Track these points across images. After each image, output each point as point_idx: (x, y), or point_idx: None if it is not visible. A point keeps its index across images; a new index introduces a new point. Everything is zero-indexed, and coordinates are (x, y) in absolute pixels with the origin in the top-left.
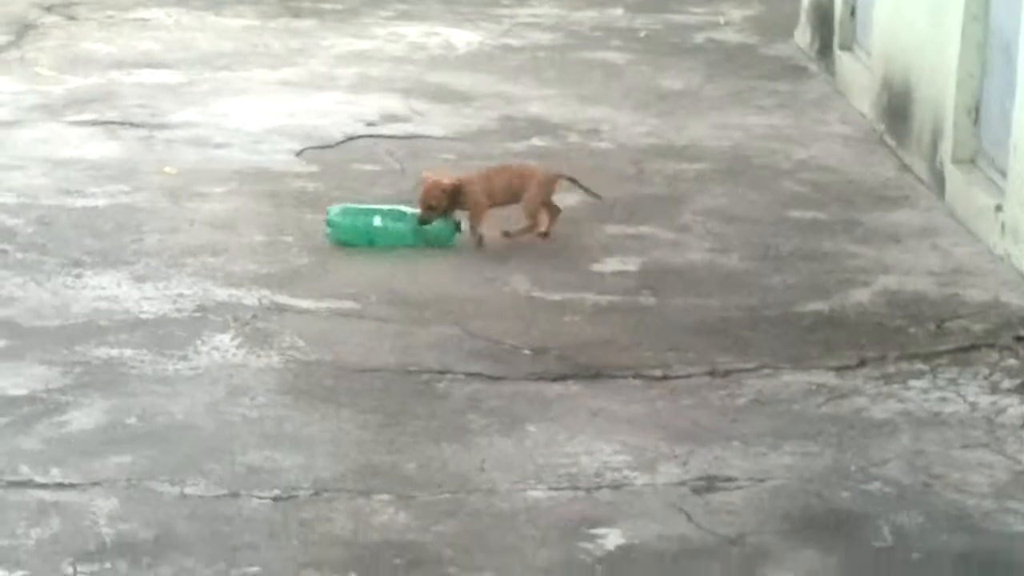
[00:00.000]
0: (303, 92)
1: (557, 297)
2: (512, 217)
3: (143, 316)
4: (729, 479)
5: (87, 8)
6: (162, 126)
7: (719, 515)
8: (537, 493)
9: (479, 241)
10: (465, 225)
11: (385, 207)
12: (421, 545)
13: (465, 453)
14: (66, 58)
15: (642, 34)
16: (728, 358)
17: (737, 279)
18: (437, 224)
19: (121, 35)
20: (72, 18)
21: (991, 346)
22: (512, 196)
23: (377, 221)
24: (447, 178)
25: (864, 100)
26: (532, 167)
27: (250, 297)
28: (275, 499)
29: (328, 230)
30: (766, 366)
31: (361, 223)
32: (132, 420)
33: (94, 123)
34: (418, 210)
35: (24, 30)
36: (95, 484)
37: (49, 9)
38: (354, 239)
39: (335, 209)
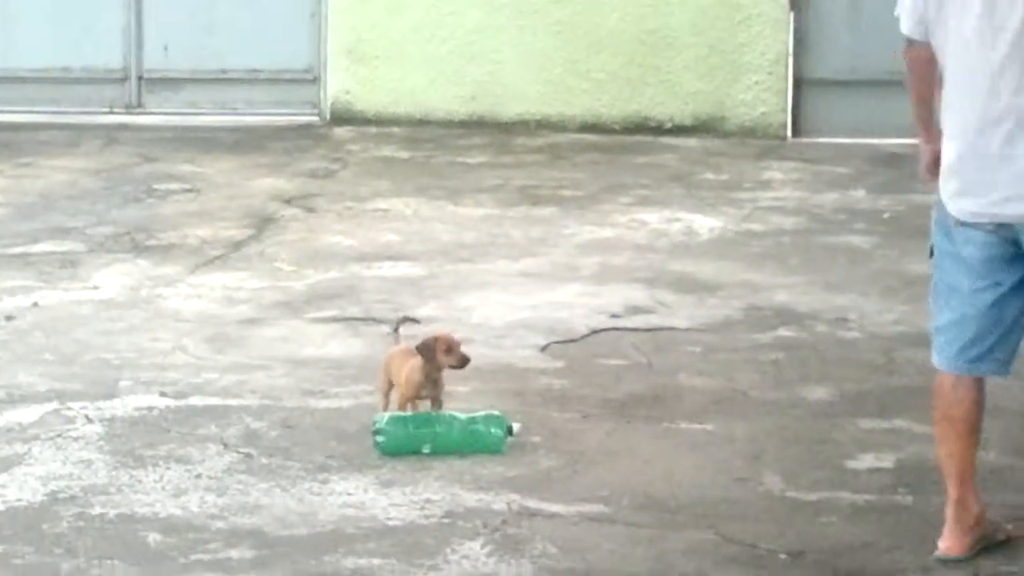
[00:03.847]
0: (545, 283)
1: (812, 497)
2: None
3: (391, 523)
4: None
5: (326, 200)
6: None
7: None
8: None
9: None
10: (518, 427)
11: (434, 413)
12: None
13: None
14: (306, 252)
15: (886, 216)
16: (993, 561)
17: (997, 476)
18: (488, 427)
19: (360, 227)
20: (311, 210)
21: None
22: None
23: (431, 427)
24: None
25: None
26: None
27: (499, 502)
28: None
29: (379, 439)
30: None
31: (412, 432)
32: None
33: (335, 319)
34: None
35: (263, 223)
36: None
37: (288, 202)
38: (403, 447)
39: (383, 417)
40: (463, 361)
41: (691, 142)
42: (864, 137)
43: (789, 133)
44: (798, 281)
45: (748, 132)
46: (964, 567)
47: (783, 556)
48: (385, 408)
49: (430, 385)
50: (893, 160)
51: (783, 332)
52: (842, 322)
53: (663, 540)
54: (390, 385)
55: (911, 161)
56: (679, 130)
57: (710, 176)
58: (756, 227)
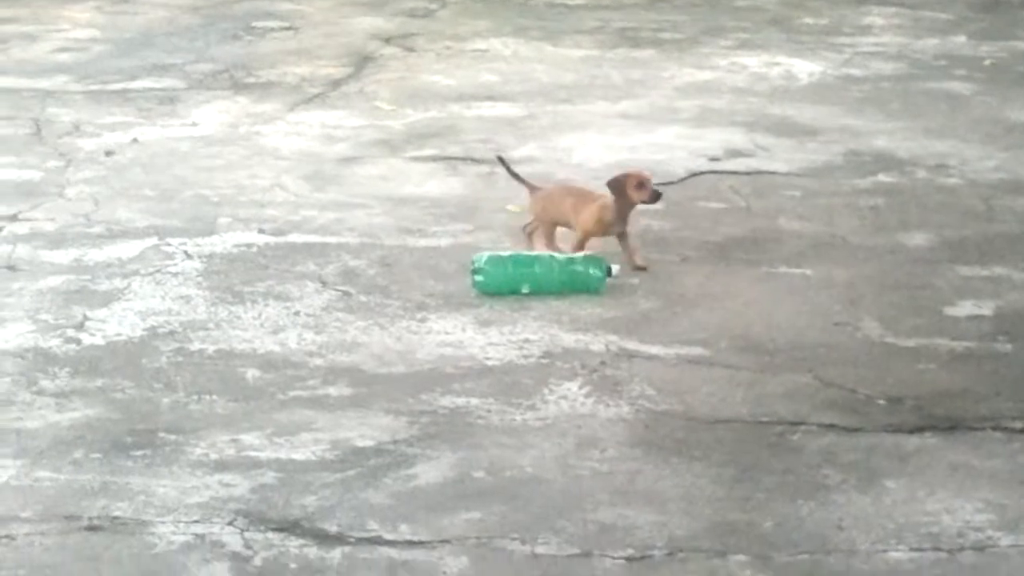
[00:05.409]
0: (644, 126)
1: (911, 343)
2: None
3: (489, 363)
4: None
5: (425, 39)
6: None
7: None
8: (898, 554)
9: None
10: (616, 268)
11: (533, 254)
12: None
13: (822, 511)
14: (405, 91)
15: (987, 62)
16: None
17: None
18: (588, 268)
19: (459, 67)
20: (410, 50)
21: None
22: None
23: (530, 267)
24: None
25: None
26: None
27: (597, 343)
28: (628, 559)
29: (478, 278)
30: None
31: (511, 272)
32: (480, 474)
33: (435, 159)
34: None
35: (363, 62)
36: (444, 542)
37: (388, 41)
38: (502, 287)
39: (483, 257)
40: (655, 196)
41: None
42: None
43: None
44: (898, 127)
45: None
46: None
47: (881, 401)
48: (550, 247)
49: (620, 222)
50: (995, 6)
51: (882, 178)
52: (942, 168)
53: (761, 383)
54: (554, 225)
55: (1014, 7)
56: None
57: (809, 20)
58: (856, 72)
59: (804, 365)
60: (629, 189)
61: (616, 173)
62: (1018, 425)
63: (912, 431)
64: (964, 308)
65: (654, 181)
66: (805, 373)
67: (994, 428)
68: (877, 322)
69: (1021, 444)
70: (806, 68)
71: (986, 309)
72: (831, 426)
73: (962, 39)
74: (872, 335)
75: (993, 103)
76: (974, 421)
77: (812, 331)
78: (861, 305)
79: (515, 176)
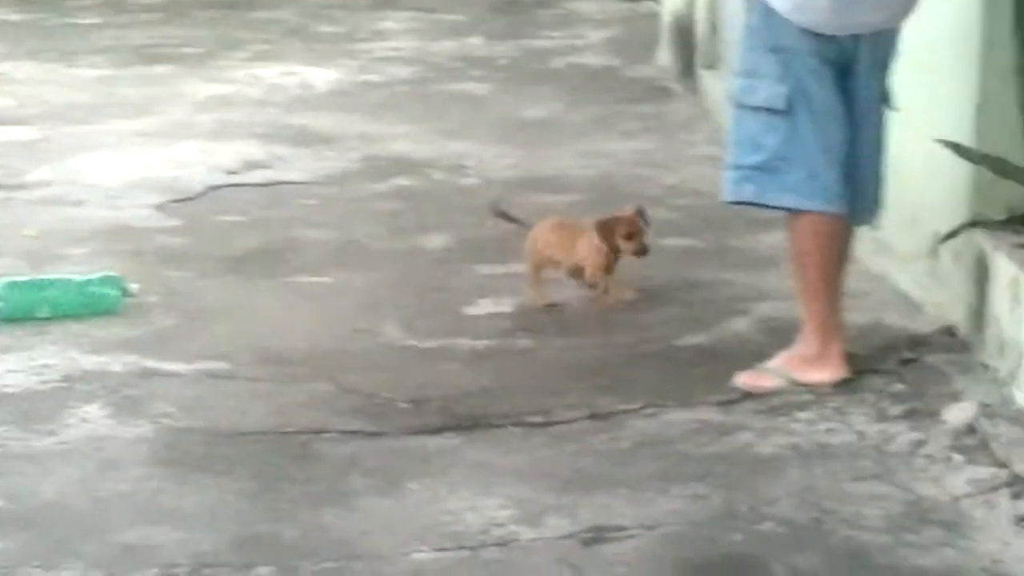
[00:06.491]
0: (162, 142)
1: (432, 344)
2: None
3: (8, 390)
4: (619, 528)
5: None
6: (19, 186)
7: (610, 567)
8: (423, 555)
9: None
10: (135, 288)
11: (50, 276)
12: None
13: (347, 517)
14: None
15: (502, 62)
16: (609, 399)
17: (613, 316)
18: (105, 289)
19: None
20: None
21: (875, 372)
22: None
23: (45, 291)
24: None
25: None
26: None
27: (117, 364)
28: None
29: None
30: (649, 405)
31: (27, 297)
32: (0, 503)
33: None
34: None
35: None
36: None
37: None
38: (21, 312)
39: (2, 283)
40: (642, 250)
41: None
42: None
43: None
44: (415, 130)
45: None
46: (581, 406)
47: (403, 404)
48: (535, 291)
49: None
50: (509, 7)
51: (401, 181)
52: (459, 169)
53: (283, 394)
54: (553, 263)
55: (528, 7)
56: None
57: (327, 29)
58: (373, 78)
59: (325, 373)
60: (617, 237)
61: (607, 215)
62: (538, 420)
63: (434, 432)
64: (483, 307)
65: (171, 197)
66: (327, 381)
67: (515, 424)
68: (397, 325)
69: (541, 439)
70: (323, 76)
71: (505, 307)
72: (354, 432)
73: (478, 40)
74: (393, 339)
75: (509, 102)
76: (495, 418)
77: (333, 338)
78: (381, 310)
79: (515, 220)
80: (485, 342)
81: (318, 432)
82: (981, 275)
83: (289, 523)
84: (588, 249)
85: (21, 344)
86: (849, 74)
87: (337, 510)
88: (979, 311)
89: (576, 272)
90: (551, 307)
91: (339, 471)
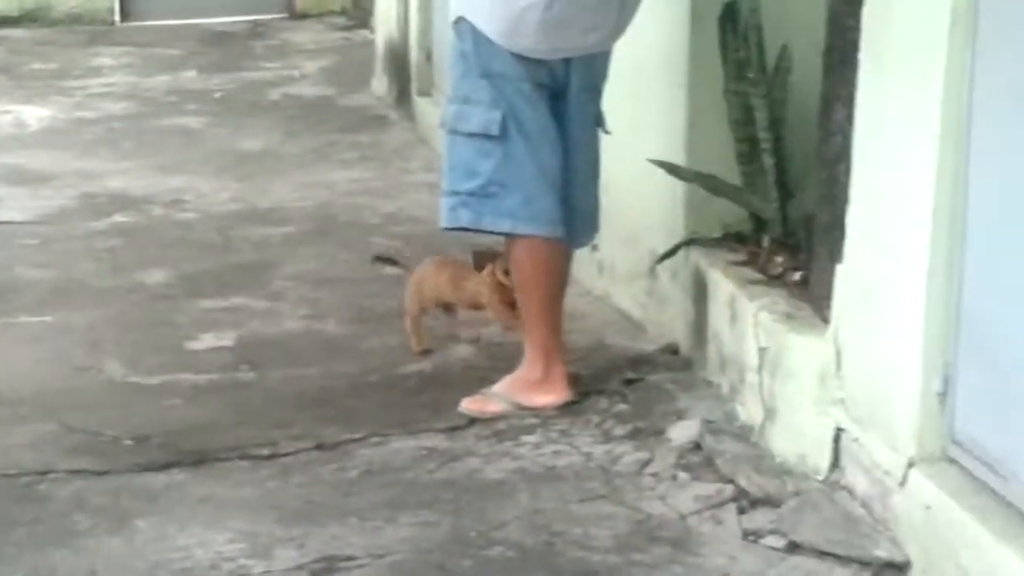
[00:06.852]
0: None
1: (154, 381)
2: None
3: None
4: (349, 558)
5: None
6: None
7: None
8: None
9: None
10: None
11: None
12: None
13: (74, 558)
14: None
15: (217, 95)
16: (335, 429)
17: (336, 345)
18: None
19: None
20: None
21: (599, 393)
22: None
23: None
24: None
25: None
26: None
27: None
28: None
29: None
30: (374, 434)
31: None
32: None
33: None
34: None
35: None
36: None
37: None
38: None
39: None
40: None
41: (18, 32)
42: (192, 18)
43: (117, 18)
44: (132, 166)
45: (76, 19)
46: (307, 436)
47: (128, 441)
48: (415, 335)
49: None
50: (222, 39)
51: (119, 218)
52: (178, 203)
53: (6, 435)
54: (442, 304)
55: (241, 39)
56: (4, 21)
57: (39, 66)
58: (87, 114)
59: (49, 413)
60: (498, 273)
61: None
62: (265, 452)
63: (160, 468)
64: (206, 341)
65: None
66: (50, 420)
67: (241, 457)
68: (119, 362)
69: (268, 471)
70: (36, 114)
71: (227, 340)
72: (79, 471)
73: (192, 73)
74: (115, 376)
75: (224, 135)
76: (221, 452)
77: (55, 378)
78: (103, 347)
79: (396, 264)
80: (208, 376)
81: (43, 473)
82: (699, 293)
83: (15, 566)
84: (480, 284)
85: None
86: (561, 98)
87: (64, 551)
88: (699, 329)
89: (474, 307)
90: (426, 352)
91: (65, 511)
